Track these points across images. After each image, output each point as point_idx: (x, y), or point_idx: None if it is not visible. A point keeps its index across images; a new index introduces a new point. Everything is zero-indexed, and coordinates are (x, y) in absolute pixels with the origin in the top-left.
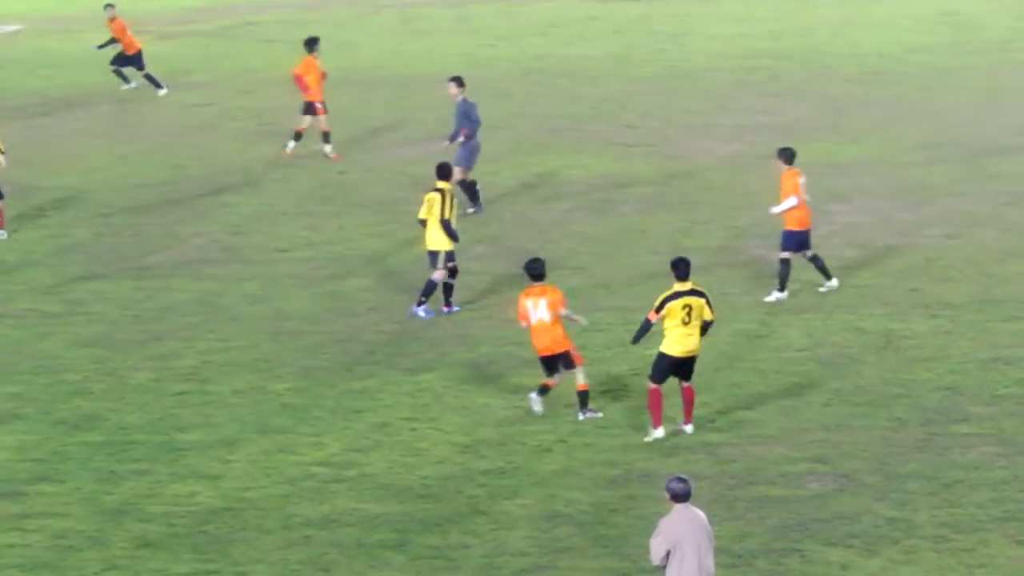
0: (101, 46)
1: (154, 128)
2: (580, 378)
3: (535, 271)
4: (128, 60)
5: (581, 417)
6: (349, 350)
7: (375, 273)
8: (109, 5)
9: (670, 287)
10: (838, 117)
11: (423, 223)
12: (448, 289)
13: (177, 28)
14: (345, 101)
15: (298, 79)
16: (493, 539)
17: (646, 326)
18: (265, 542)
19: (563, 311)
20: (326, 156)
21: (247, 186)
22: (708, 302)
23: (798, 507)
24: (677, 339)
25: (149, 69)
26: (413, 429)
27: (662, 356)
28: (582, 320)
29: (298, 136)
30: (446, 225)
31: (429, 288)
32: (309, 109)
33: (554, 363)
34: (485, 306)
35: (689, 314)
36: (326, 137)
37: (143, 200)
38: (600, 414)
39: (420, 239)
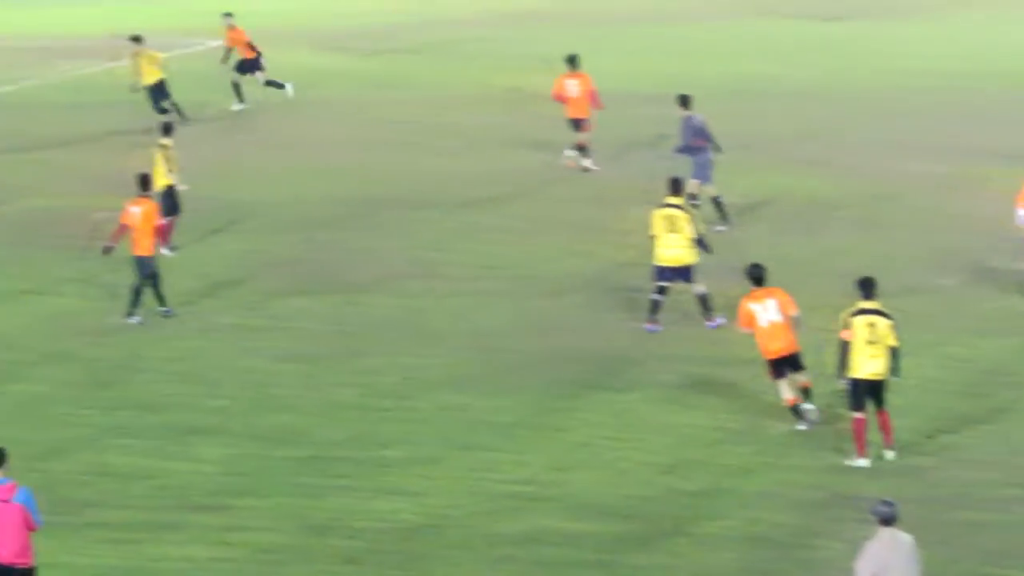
0: (224, 60)
1: (354, 143)
2: (803, 377)
3: (757, 275)
4: (250, 65)
5: (802, 419)
6: (552, 368)
7: (579, 291)
8: (227, 14)
9: (854, 305)
10: None
11: (656, 239)
12: (655, 306)
13: (379, 45)
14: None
15: (561, 98)
16: (696, 560)
17: (843, 348)
18: (468, 560)
19: (794, 312)
20: (584, 170)
21: (449, 202)
22: (892, 326)
23: (1008, 533)
24: (862, 360)
25: (269, 75)
26: (616, 448)
27: (851, 381)
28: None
29: (581, 149)
30: (700, 241)
31: (704, 301)
32: (578, 125)
33: (784, 365)
34: (690, 325)
35: (874, 333)
36: (580, 148)
37: (344, 215)
38: (816, 411)
39: (628, 257)
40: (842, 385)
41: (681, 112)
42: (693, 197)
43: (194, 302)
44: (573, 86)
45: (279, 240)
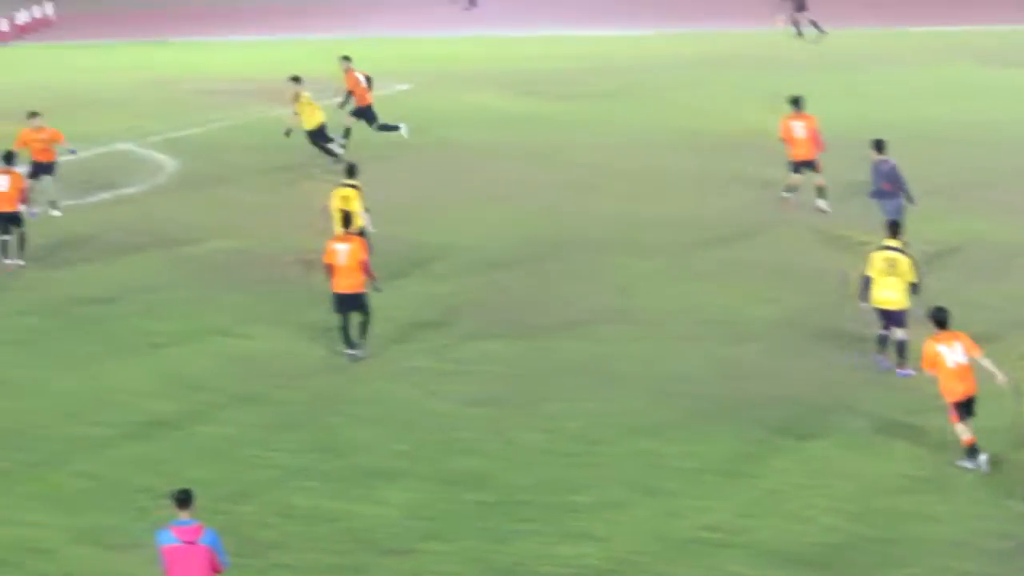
0: (341, 104)
1: (544, 186)
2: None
3: (941, 318)
4: (361, 113)
5: (976, 460)
6: (740, 414)
7: (769, 336)
8: (345, 57)
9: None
10: None
11: (868, 280)
12: (882, 340)
13: (572, 89)
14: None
15: (787, 139)
16: None
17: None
18: None
19: (979, 354)
20: (820, 210)
21: (638, 246)
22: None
23: None
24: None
25: (381, 121)
26: (803, 495)
27: None
28: (1000, 376)
29: (819, 190)
30: (915, 287)
31: (902, 349)
32: (804, 167)
33: (970, 406)
34: (879, 371)
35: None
36: (820, 192)
37: (532, 258)
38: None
39: (819, 301)
40: None
41: (874, 156)
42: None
43: (382, 345)
44: (799, 127)
45: (466, 283)
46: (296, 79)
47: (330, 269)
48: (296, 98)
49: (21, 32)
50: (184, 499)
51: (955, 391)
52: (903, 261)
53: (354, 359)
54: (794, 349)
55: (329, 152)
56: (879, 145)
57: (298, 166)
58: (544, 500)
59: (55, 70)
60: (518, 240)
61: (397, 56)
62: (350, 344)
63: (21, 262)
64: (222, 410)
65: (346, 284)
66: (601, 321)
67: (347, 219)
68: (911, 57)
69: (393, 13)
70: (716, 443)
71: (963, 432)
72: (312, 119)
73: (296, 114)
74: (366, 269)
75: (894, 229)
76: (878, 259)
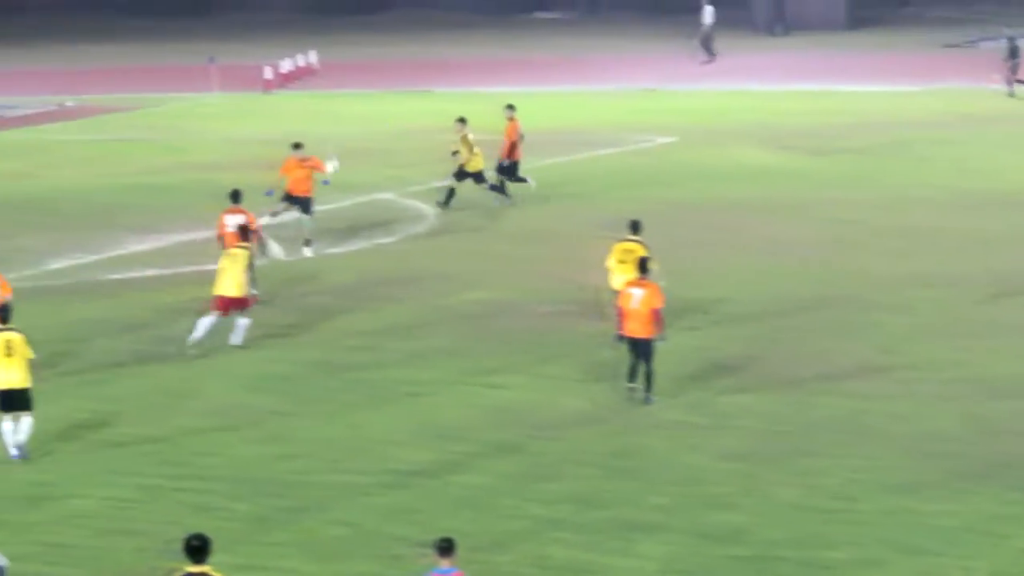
0: (454, 153)
1: (801, 242)
2: None
3: None
4: (508, 169)
5: None
6: (1001, 473)
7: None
8: (510, 106)
9: None
10: None
11: None
12: None
13: (827, 144)
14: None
15: None
16: None
17: None
18: None
19: None
20: None
21: (897, 304)
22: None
23: None
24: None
25: (495, 181)
26: None
27: None
28: None
29: None
30: None
31: None
32: None
33: None
34: None
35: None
36: None
37: (791, 312)
38: None
39: None
40: None
41: None
42: None
43: (640, 397)
44: None
45: (726, 336)
46: (462, 120)
47: (621, 313)
48: (462, 140)
49: (285, 80)
50: (447, 548)
51: None
52: None
53: (646, 400)
54: None
55: (497, 189)
56: None
57: (554, 216)
58: (800, 556)
59: (317, 119)
60: (778, 295)
61: (655, 108)
62: (634, 381)
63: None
64: (478, 460)
65: (635, 328)
66: (860, 377)
67: (643, 265)
68: None
69: (638, 66)
70: (974, 503)
71: None
72: (475, 161)
73: (461, 153)
74: (657, 317)
75: None
76: None
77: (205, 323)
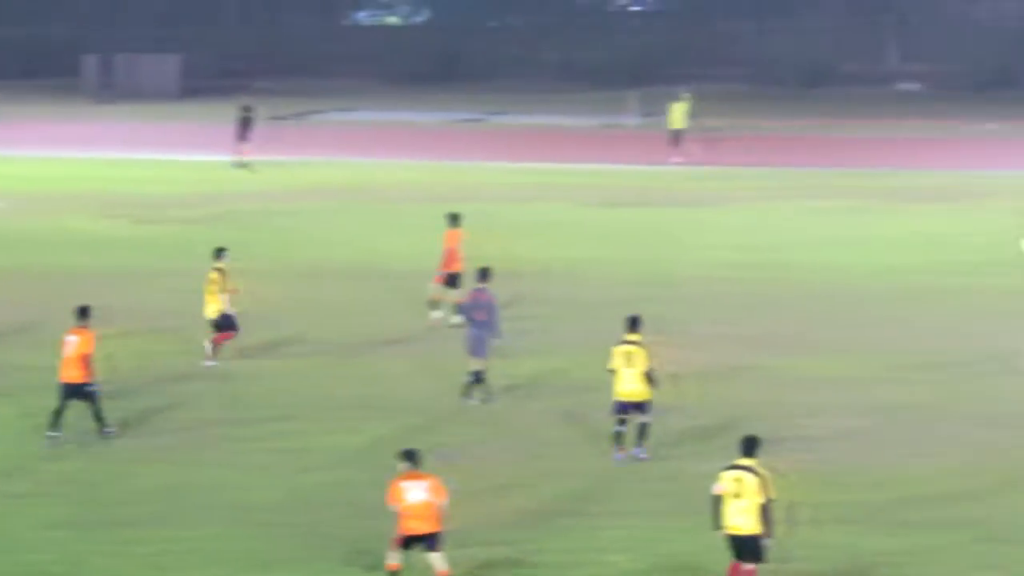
0: None
1: (135, 310)
2: None
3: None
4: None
5: None
6: (310, 544)
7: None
8: None
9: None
10: (809, 331)
11: None
12: None
13: (156, 213)
14: None
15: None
16: None
17: (714, 501)
18: None
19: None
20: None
21: (223, 374)
22: (763, 482)
23: None
24: (729, 513)
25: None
26: None
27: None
28: None
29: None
30: None
31: None
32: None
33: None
34: None
35: (741, 489)
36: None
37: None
38: None
39: None
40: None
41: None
42: None
43: None
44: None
45: (44, 403)
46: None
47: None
48: None
49: None
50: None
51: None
52: None
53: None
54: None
55: None
56: (484, 274)
57: None
58: None
59: None
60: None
61: None
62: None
63: None
64: None
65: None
66: (182, 447)
67: None
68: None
69: None
70: (287, 571)
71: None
72: None
73: None
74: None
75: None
76: None
77: None
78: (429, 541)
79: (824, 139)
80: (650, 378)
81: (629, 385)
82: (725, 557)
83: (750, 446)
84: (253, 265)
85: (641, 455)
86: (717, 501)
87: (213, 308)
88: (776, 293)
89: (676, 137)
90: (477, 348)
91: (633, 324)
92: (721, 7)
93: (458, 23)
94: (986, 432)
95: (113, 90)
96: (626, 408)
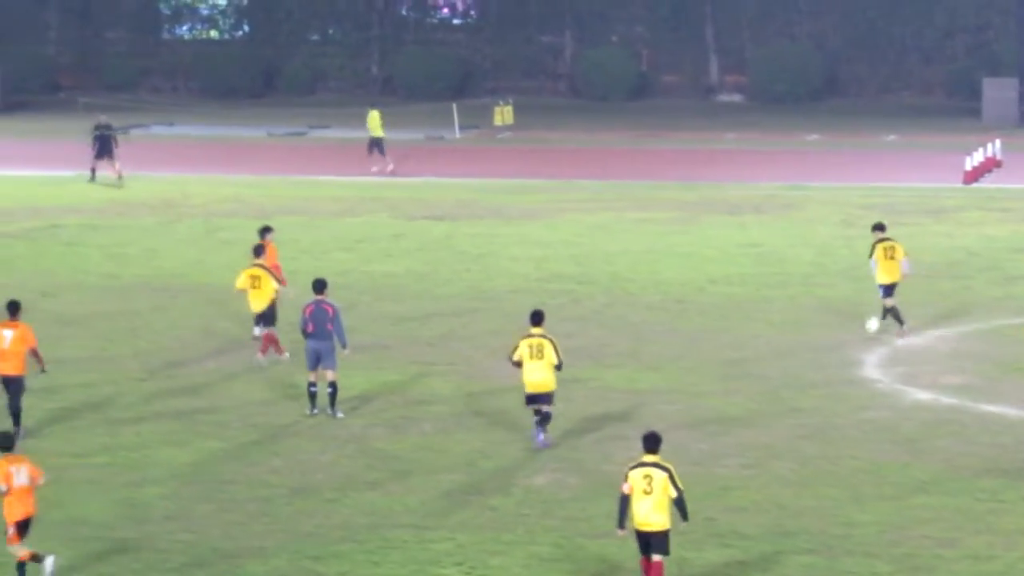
0: None
1: None
2: None
3: None
4: None
5: None
6: (142, 558)
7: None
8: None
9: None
10: (639, 344)
11: None
12: None
13: None
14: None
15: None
16: None
17: (622, 500)
18: None
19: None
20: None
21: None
22: (671, 477)
23: None
24: (637, 510)
25: None
26: None
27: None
28: None
29: None
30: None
31: None
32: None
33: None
34: None
35: (651, 485)
36: None
37: None
38: None
39: None
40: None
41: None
42: None
43: None
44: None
45: None
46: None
47: None
48: None
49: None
50: None
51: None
52: None
53: None
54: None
55: None
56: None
57: None
58: None
59: None
60: None
61: None
62: None
63: None
64: None
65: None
66: None
67: None
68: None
69: None
70: None
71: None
72: None
73: None
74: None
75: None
76: None
77: None
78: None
79: (647, 151)
80: (559, 369)
81: (536, 375)
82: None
83: (653, 443)
84: (80, 279)
85: (544, 442)
86: (625, 500)
87: (261, 302)
88: (604, 305)
89: (374, 146)
90: (326, 359)
91: (536, 318)
92: (540, 21)
93: (280, 37)
94: (812, 444)
95: None
96: (536, 399)
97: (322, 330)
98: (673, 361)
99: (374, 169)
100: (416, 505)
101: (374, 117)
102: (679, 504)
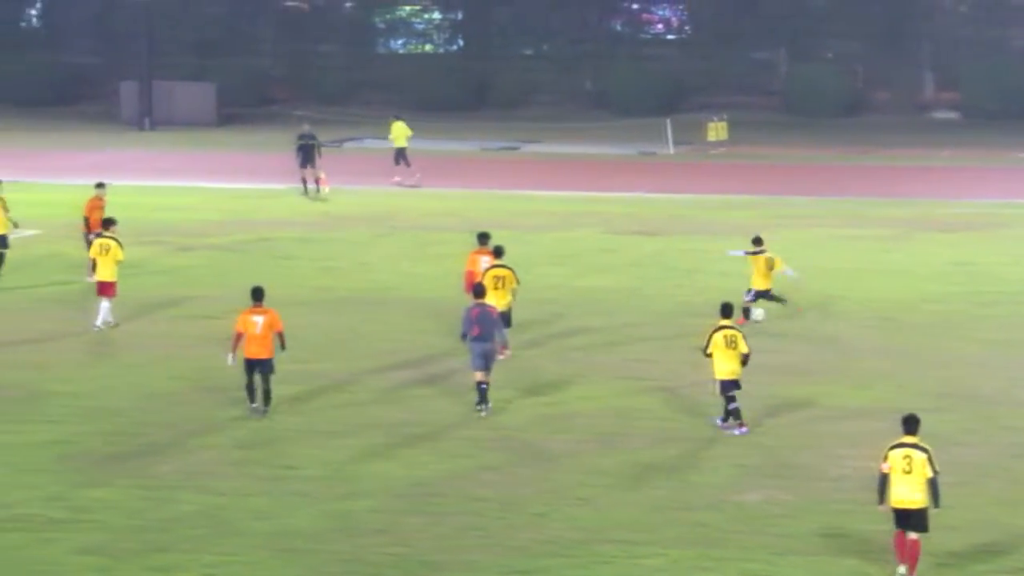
0: None
1: (159, 340)
2: None
3: None
4: None
5: None
6: (353, 570)
7: (382, 493)
8: None
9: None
10: (848, 361)
11: None
12: None
13: (194, 240)
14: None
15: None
16: None
17: (881, 479)
18: None
19: None
20: None
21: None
22: (930, 458)
23: None
24: (895, 489)
25: None
26: None
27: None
28: None
29: None
30: None
31: None
32: None
33: None
34: None
35: (910, 464)
36: None
37: (151, 410)
38: None
39: None
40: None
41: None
42: None
43: None
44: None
45: (84, 431)
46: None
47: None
48: None
49: None
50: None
51: None
52: None
53: None
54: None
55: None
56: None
57: None
58: None
59: None
60: (139, 391)
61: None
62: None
63: None
64: None
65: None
66: (220, 473)
67: None
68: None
69: None
70: None
71: None
72: None
73: None
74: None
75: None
76: None
77: None
78: None
79: (860, 168)
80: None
81: (727, 365)
82: None
83: (913, 424)
84: (293, 292)
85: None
86: (884, 479)
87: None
88: (816, 322)
89: (400, 156)
90: (491, 360)
91: (727, 310)
92: (753, 35)
93: (492, 51)
94: None
95: (151, 117)
96: (729, 387)
97: (489, 333)
98: (883, 378)
99: (396, 179)
100: (626, 520)
101: (398, 127)
102: (933, 485)
